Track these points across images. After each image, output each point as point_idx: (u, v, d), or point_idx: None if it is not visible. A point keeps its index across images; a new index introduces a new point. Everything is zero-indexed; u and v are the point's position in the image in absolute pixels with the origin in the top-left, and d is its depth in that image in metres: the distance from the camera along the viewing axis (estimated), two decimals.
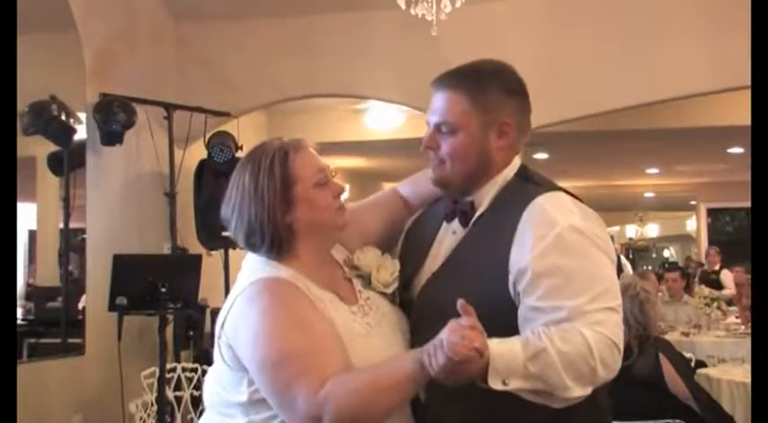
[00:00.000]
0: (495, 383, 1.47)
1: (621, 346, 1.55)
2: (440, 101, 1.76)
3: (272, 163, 1.72)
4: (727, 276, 9.84)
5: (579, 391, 1.51)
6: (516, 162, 1.80)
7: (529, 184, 1.74)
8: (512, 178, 1.77)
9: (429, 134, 1.78)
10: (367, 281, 1.80)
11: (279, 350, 1.57)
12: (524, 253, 1.61)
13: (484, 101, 1.73)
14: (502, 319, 1.58)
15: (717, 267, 10.37)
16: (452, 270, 1.75)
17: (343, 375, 1.52)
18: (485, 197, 1.76)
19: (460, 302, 1.48)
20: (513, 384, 1.48)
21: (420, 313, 1.77)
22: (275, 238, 1.71)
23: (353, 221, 1.87)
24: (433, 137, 1.77)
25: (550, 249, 1.59)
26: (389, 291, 1.81)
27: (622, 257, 9.72)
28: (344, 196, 1.85)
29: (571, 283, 1.56)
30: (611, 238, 1.80)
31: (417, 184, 1.97)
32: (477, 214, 1.76)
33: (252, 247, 1.74)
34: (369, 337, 1.68)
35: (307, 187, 1.73)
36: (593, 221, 1.67)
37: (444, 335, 1.44)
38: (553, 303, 1.55)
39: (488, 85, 1.76)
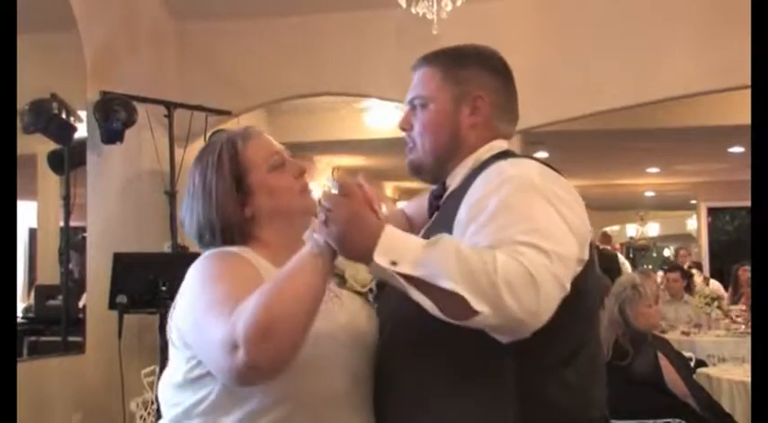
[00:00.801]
0: (381, 259, 1.34)
1: (545, 285, 1.33)
2: (416, 78, 1.71)
3: (219, 157, 1.67)
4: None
5: (469, 296, 1.30)
6: (496, 146, 1.67)
7: (500, 159, 1.60)
8: (487, 158, 1.63)
9: (404, 114, 1.73)
10: (342, 279, 1.72)
11: (202, 304, 1.47)
12: (465, 205, 1.50)
13: (458, 74, 1.66)
14: None
15: (687, 265, 10.20)
16: None
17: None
18: (456, 179, 1.66)
19: (334, 173, 1.43)
20: (400, 268, 1.33)
21: (382, 309, 1.69)
22: (227, 234, 1.64)
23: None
24: (406, 117, 1.71)
25: (487, 194, 1.46)
26: (364, 290, 1.73)
27: (621, 256, 9.59)
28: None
29: (499, 217, 1.41)
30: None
31: (422, 201, 1.88)
32: (446, 194, 1.67)
33: (206, 245, 1.67)
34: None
35: (261, 174, 1.66)
36: (556, 183, 1.51)
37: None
38: (476, 239, 1.41)
39: (465, 61, 1.68)
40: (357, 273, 1.72)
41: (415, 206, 1.92)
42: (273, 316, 1.31)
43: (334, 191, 1.41)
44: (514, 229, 1.38)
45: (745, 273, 8.65)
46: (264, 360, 1.32)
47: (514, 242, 1.36)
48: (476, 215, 1.45)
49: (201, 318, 1.44)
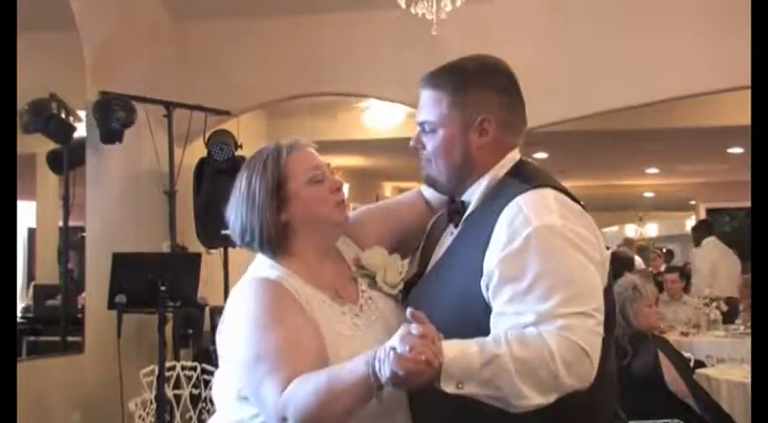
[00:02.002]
0: (448, 387, 1.43)
1: (595, 351, 1.46)
2: (423, 99, 1.76)
3: (264, 164, 1.78)
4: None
5: (538, 399, 1.43)
6: (510, 160, 1.75)
7: (517, 181, 1.68)
8: (502, 176, 1.72)
9: (416, 133, 1.78)
10: (372, 281, 1.81)
11: (254, 350, 1.61)
12: (494, 255, 1.56)
13: (464, 98, 1.71)
14: (477, 324, 1.54)
15: (661, 269, 9.94)
16: (438, 272, 1.74)
17: (305, 375, 1.52)
18: (473, 196, 1.73)
19: (409, 311, 1.45)
20: (468, 389, 1.43)
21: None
22: (266, 237, 1.75)
23: (371, 220, 1.93)
24: (418, 136, 1.77)
25: (519, 251, 1.53)
26: (395, 292, 1.81)
27: (638, 260, 9.31)
28: (344, 194, 1.86)
29: (538, 286, 1.49)
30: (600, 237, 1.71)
31: None
32: (467, 214, 1.73)
33: (247, 245, 1.79)
34: (353, 337, 1.68)
35: (299, 184, 1.77)
36: (575, 220, 1.58)
37: (394, 342, 1.41)
38: (517, 308, 1.49)
39: (470, 83, 1.72)
40: (386, 275, 1.80)
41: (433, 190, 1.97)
42: (325, 416, 1.50)
43: (413, 331, 1.43)
44: (557, 299, 1.47)
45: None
46: None
47: (561, 316, 1.45)
48: (511, 277, 1.52)
49: (253, 366, 1.61)
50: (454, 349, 1.44)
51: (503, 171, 1.72)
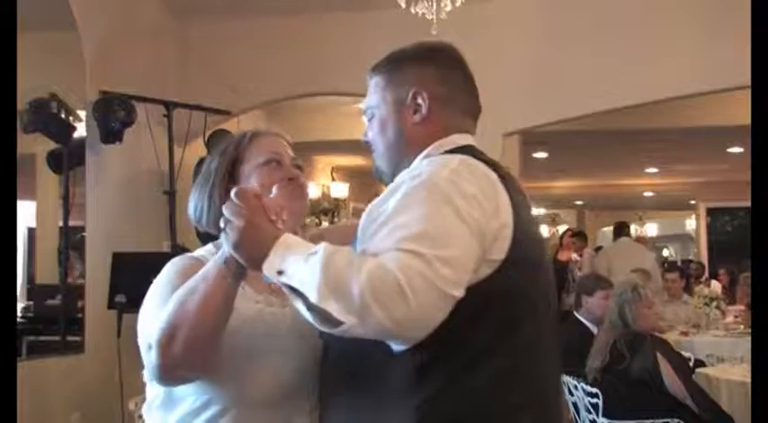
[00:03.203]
0: (268, 269, 1.37)
1: (417, 294, 1.29)
2: (368, 89, 1.72)
3: (226, 147, 1.80)
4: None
5: (334, 307, 1.30)
6: (448, 142, 1.60)
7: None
8: (441, 153, 1.58)
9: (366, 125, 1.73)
10: None
11: (147, 306, 1.64)
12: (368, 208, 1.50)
13: (398, 77, 1.65)
14: None
15: (577, 257, 8.81)
16: None
17: None
18: None
19: (234, 189, 1.47)
20: (285, 278, 1.36)
21: None
22: (212, 216, 1.73)
23: (337, 232, 1.91)
24: (366, 128, 1.72)
25: (385, 197, 1.45)
26: None
27: (653, 259, 8.77)
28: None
29: (389, 223, 1.39)
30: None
31: None
32: None
33: (197, 222, 1.80)
34: (252, 321, 1.64)
35: (252, 166, 1.76)
36: (471, 181, 1.43)
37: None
38: (368, 243, 1.41)
39: (404, 62, 1.67)
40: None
41: None
42: (176, 323, 1.47)
43: (234, 200, 1.44)
44: (397, 235, 1.35)
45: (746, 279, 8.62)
46: (171, 361, 1.48)
47: (393, 249, 1.33)
48: (370, 222, 1.44)
49: (140, 322, 1.64)
50: (291, 236, 1.42)
51: (438, 151, 1.58)
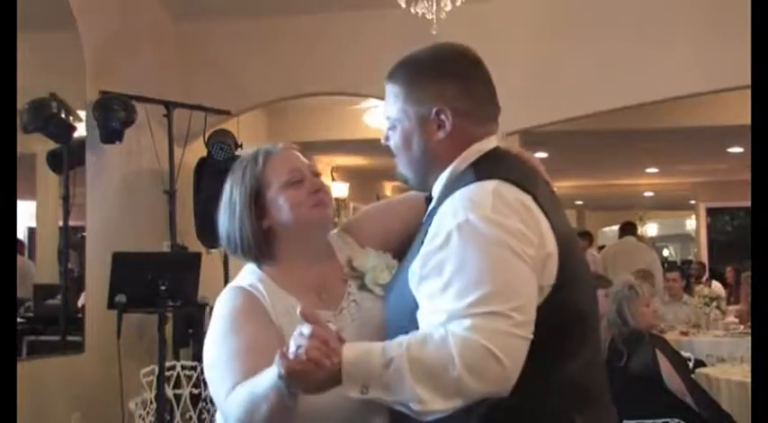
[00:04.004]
0: (352, 391, 1.39)
1: (508, 353, 1.34)
2: (386, 93, 1.73)
3: (243, 173, 1.81)
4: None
5: (440, 404, 1.34)
6: (474, 151, 1.62)
7: (471, 173, 1.58)
8: (464, 169, 1.61)
9: (386, 129, 1.75)
10: (362, 282, 1.80)
11: (213, 355, 1.67)
12: (420, 252, 1.51)
13: (418, 92, 1.65)
14: (417, 324, 1.48)
15: None
16: (399, 272, 1.69)
17: (244, 382, 1.56)
18: (436, 191, 1.66)
19: (299, 310, 1.43)
20: (373, 393, 1.37)
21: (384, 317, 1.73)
22: (246, 245, 1.78)
23: (372, 220, 1.93)
24: (386, 132, 1.73)
25: (439, 247, 1.46)
26: (384, 293, 1.79)
27: (655, 259, 8.79)
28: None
29: (454, 284, 1.40)
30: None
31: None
32: (428, 210, 1.66)
33: (231, 252, 1.83)
34: None
35: (275, 190, 1.78)
36: (510, 214, 1.46)
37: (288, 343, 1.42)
38: (433, 306, 1.42)
39: (423, 75, 1.66)
40: (377, 276, 1.78)
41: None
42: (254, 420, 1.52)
43: (303, 331, 1.41)
44: (471, 297, 1.37)
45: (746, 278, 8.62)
46: None
47: (470, 315, 1.36)
48: (429, 275, 1.46)
49: (210, 371, 1.68)
50: (356, 351, 1.40)
51: (465, 164, 1.61)
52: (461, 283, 1.39)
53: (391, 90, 1.70)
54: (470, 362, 1.32)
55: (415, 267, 1.50)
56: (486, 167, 1.58)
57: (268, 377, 1.46)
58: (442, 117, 1.62)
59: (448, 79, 1.64)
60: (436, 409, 1.35)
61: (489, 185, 1.51)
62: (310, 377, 1.39)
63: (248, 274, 1.79)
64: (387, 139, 1.73)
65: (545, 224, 1.49)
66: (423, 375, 1.34)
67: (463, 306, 1.37)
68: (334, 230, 1.90)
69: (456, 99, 1.62)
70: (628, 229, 9.05)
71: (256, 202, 1.78)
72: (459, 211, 1.48)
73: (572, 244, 1.58)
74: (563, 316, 1.49)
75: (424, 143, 1.64)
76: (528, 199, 1.50)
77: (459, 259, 1.42)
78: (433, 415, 1.36)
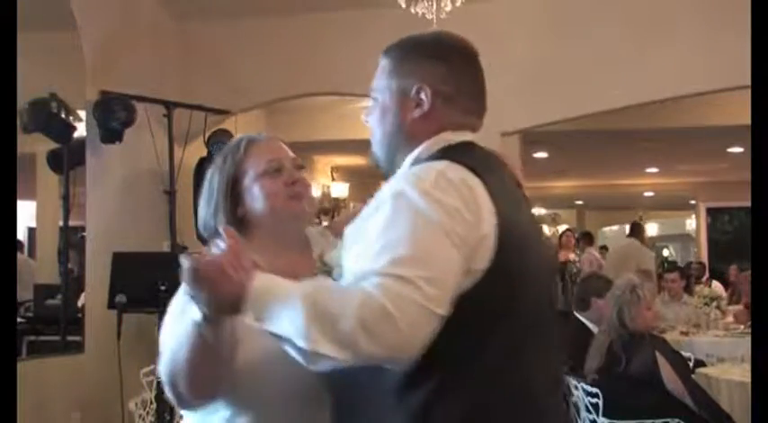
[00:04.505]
0: (249, 316, 1.38)
1: (406, 319, 1.30)
2: (378, 69, 1.68)
3: (224, 160, 1.81)
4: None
5: (330, 349, 1.31)
6: (443, 139, 1.58)
7: (430, 159, 1.54)
8: (433, 153, 1.55)
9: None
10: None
11: (162, 335, 1.69)
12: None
13: (406, 66, 1.62)
14: None
15: (576, 257, 9.16)
16: None
17: None
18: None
19: (222, 227, 1.49)
20: (269, 324, 1.36)
21: None
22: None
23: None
24: (368, 109, 1.69)
25: (367, 216, 1.44)
26: None
27: (652, 259, 8.88)
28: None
29: (374, 246, 1.38)
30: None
31: None
32: None
33: (208, 238, 1.80)
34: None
35: (252, 178, 1.77)
36: (451, 192, 1.41)
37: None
38: (356, 267, 1.41)
39: (414, 52, 1.63)
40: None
41: None
42: (173, 375, 1.59)
43: (190, 283, 1.43)
44: (382, 260, 1.35)
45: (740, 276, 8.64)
46: (181, 400, 1.62)
47: (377, 274, 1.33)
48: (354, 241, 1.45)
49: (161, 348, 1.68)
50: (266, 280, 1.40)
51: (428, 152, 1.56)
52: (380, 246, 1.37)
53: (382, 64, 1.66)
54: (366, 318, 1.29)
55: (347, 232, 1.49)
56: (453, 153, 1.53)
57: (188, 320, 1.50)
58: (422, 95, 1.58)
59: (439, 60, 1.61)
60: (323, 352, 1.31)
61: (438, 164, 1.48)
62: (216, 287, 1.39)
63: None
64: (367, 114, 1.69)
65: (488, 208, 1.43)
66: (318, 317, 1.32)
67: (377, 266, 1.34)
68: (319, 227, 1.89)
69: (441, 81, 1.59)
70: (633, 230, 9.09)
71: (233, 189, 1.77)
72: (399, 183, 1.45)
73: (521, 237, 1.50)
74: (494, 306, 1.44)
75: (399, 119, 1.61)
76: (476, 182, 1.45)
77: (385, 225, 1.39)
78: (321, 360, 1.33)
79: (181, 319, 1.60)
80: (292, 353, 1.36)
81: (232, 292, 1.39)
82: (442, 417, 1.41)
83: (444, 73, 1.59)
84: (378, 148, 1.66)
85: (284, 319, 1.35)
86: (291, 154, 1.85)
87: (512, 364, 1.47)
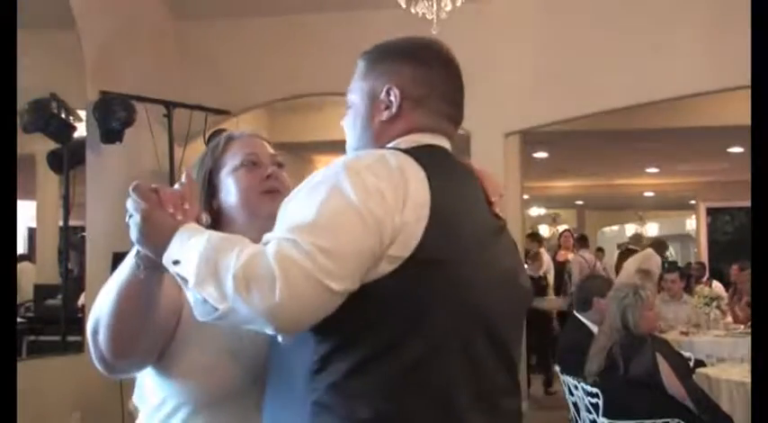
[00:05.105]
0: (166, 260, 1.38)
1: (285, 282, 1.26)
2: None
3: (205, 155, 1.80)
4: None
5: (212, 292, 1.29)
6: (409, 140, 1.53)
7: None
8: None
9: None
10: None
11: None
12: None
13: (378, 68, 1.59)
14: None
15: (571, 257, 9.10)
16: None
17: None
18: None
19: (185, 170, 1.50)
20: (177, 267, 1.35)
21: None
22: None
23: None
24: (345, 111, 1.65)
25: (301, 185, 1.42)
26: None
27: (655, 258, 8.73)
28: (280, 184, 1.77)
29: (288, 213, 1.37)
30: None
31: None
32: None
33: None
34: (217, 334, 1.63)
35: (228, 171, 1.76)
36: (381, 176, 1.37)
37: None
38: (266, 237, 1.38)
39: (385, 55, 1.60)
40: None
41: None
42: (98, 317, 1.58)
43: (132, 194, 1.47)
44: (285, 224, 1.34)
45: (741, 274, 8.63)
46: (99, 352, 1.65)
47: (277, 238, 1.32)
48: (283, 206, 1.42)
49: None
50: (192, 226, 1.42)
51: (401, 146, 1.51)
52: (292, 213, 1.36)
53: (358, 67, 1.64)
54: (249, 272, 1.28)
55: (282, 203, 1.44)
56: (408, 151, 1.48)
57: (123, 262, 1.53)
58: (391, 97, 1.55)
59: (411, 62, 1.57)
60: (206, 296, 1.30)
61: (384, 151, 1.46)
62: (150, 214, 1.44)
63: None
64: (342, 117, 1.66)
65: (420, 199, 1.38)
66: (211, 263, 1.31)
67: (281, 229, 1.34)
68: None
69: (412, 83, 1.55)
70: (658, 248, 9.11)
71: (210, 181, 1.76)
72: (333, 163, 1.43)
73: (462, 245, 1.44)
74: (414, 301, 1.37)
75: (367, 121, 1.58)
76: (417, 174, 1.41)
77: (305, 195, 1.38)
78: (205, 308, 1.31)
79: (120, 270, 1.59)
80: (188, 297, 1.34)
81: (162, 226, 1.42)
82: (359, 391, 1.36)
83: (416, 75, 1.56)
84: (348, 150, 1.62)
85: (186, 256, 1.35)
86: (271, 151, 1.83)
87: (429, 366, 1.39)
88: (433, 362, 1.40)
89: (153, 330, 1.56)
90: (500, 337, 1.51)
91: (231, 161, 1.76)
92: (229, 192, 1.74)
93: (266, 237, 1.36)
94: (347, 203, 1.34)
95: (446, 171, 1.50)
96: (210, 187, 1.76)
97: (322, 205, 1.34)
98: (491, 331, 1.49)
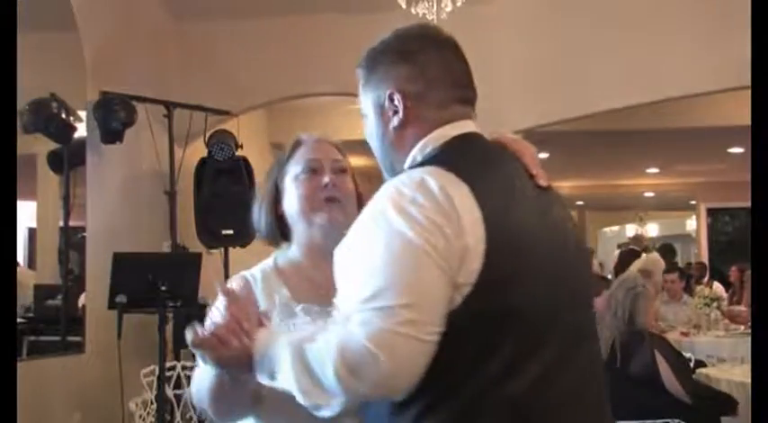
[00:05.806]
0: (262, 377, 1.39)
1: (391, 351, 1.25)
2: None
3: (276, 162, 1.88)
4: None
5: (324, 399, 1.30)
6: (432, 141, 1.50)
7: (425, 159, 1.48)
8: (425, 156, 1.50)
9: None
10: None
11: None
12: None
13: (374, 77, 1.56)
14: None
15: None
16: None
17: None
18: None
19: (218, 284, 1.55)
20: (279, 382, 1.36)
21: None
22: (263, 231, 1.87)
23: None
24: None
25: (347, 240, 1.40)
26: None
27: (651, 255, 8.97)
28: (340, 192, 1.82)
29: (351, 278, 1.35)
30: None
31: None
32: None
33: (261, 237, 1.91)
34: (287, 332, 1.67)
35: (290, 179, 1.82)
36: (427, 205, 1.33)
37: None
38: (339, 300, 1.38)
39: (377, 60, 1.56)
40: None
41: None
42: (198, 397, 1.70)
43: (197, 352, 1.48)
44: (361, 294, 1.30)
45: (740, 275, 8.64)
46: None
47: (358, 311, 1.29)
48: (340, 267, 1.40)
49: None
50: (264, 339, 1.42)
51: (431, 145, 1.49)
52: (360, 278, 1.33)
53: (358, 78, 1.61)
54: (350, 360, 1.26)
55: (336, 255, 1.42)
56: (439, 156, 1.46)
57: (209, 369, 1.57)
58: (395, 102, 1.52)
59: (402, 61, 1.53)
60: (320, 404, 1.31)
61: (418, 173, 1.40)
62: (217, 353, 1.43)
63: (260, 264, 1.86)
64: (364, 133, 1.64)
65: (473, 217, 1.34)
66: (305, 370, 1.31)
67: (355, 302, 1.31)
68: None
69: (408, 81, 1.52)
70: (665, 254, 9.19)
71: (277, 188, 1.84)
72: (380, 201, 1.38)
73: (517, 240, 1.39)
74: (492, 321, 1.34)
75: (383, 132, 1.55)
76: (460, 190, 1.36)
77: (364, 253, 1.35)
78: (321, 409, 1.32)
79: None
80: (305, 405, 1.36)
81: (237, 358, 1.43)
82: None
83: (408, 71, 1.52)
84: (381, 165, 1.61)
85: (282, 375, 1.36)
86: (335, 155, 1.86)
87: (508, 379, 1.35)
88: (513, 376, 1.36)
89: (251, 398, 1.66)
90: (575, 320, 1.48)
91: (294, 168, 1.83)
92: (290, 199, 1.80)
93: (341, 307, 1.35)
94: (413, 249, 1.30)
95: (483, 166, 1.47)
96: (277, 192, 1.83)
97: (389, 259, 1.31)
98: (570, 319, 1.46)
